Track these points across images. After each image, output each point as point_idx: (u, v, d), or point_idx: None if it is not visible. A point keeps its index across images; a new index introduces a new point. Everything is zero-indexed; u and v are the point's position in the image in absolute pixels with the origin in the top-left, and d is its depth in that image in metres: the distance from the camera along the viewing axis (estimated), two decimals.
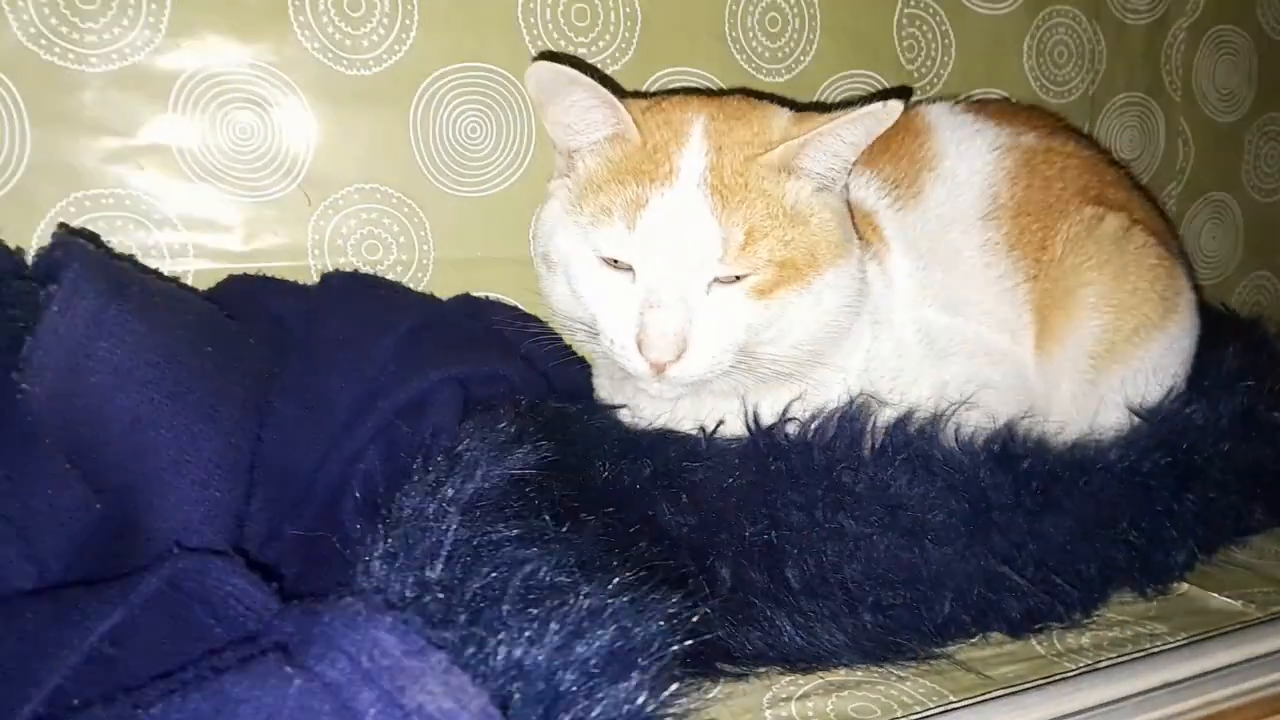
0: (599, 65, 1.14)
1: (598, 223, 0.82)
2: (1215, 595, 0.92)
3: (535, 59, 0.92)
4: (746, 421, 0.85)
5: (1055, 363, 1.00)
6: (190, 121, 1.01)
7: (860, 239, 0.96)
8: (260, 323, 0.91)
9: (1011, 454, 0.84)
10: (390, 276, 1.09)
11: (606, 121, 0.85)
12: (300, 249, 1.06)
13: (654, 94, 0.96)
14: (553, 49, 1.12)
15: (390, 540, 0.55)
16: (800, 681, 0.78)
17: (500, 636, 0.49)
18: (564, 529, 0.67)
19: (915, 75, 1.31)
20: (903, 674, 0.78)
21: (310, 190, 1.06)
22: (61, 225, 0.95)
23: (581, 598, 0.54)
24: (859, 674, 0.78)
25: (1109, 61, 1.43)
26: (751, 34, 1.22)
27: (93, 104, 0.98)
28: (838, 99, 1.27)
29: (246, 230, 1.04)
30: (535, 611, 0.52)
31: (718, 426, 0.88)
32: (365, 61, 1.06)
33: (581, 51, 1.14)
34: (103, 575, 0.69)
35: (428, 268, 1.11)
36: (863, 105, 0.83)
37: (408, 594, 0.52)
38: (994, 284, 1.00)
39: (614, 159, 0.85)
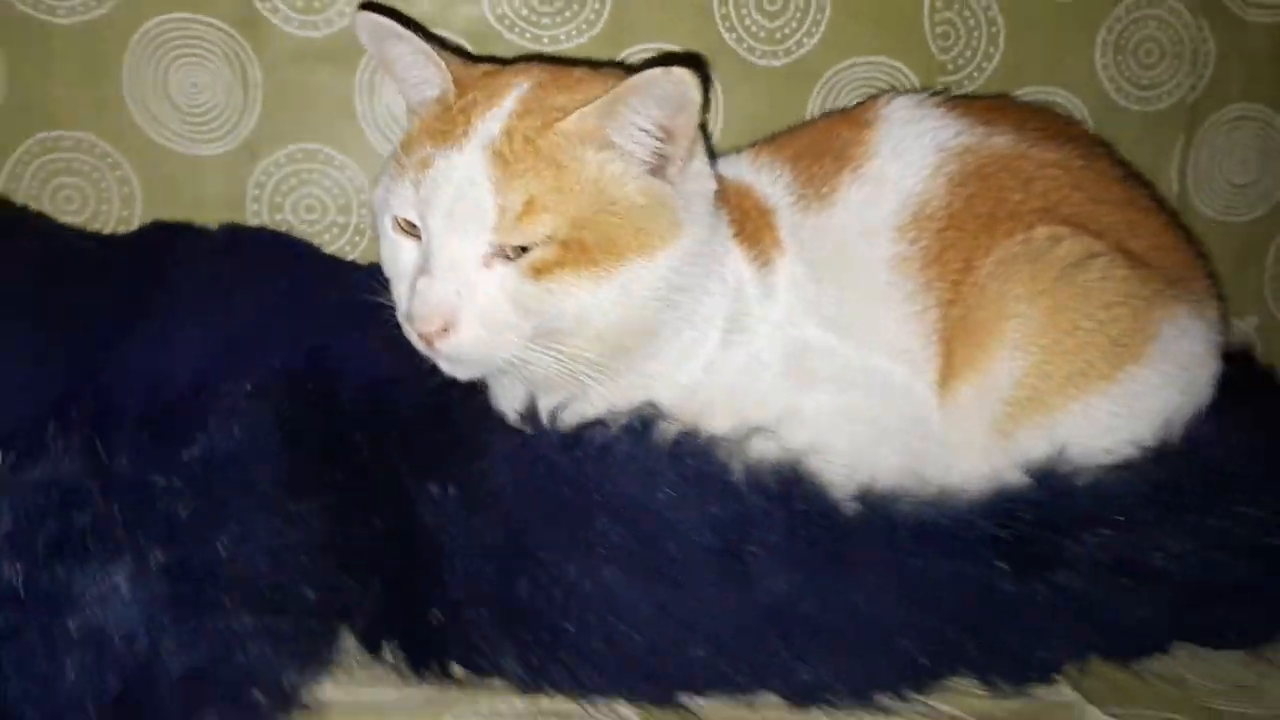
0: (563, 36, 1.10)
1: (394, 181, 0.80)
2: (1097, 710, 0.76)
3: (359, 7, 0.90)
4: (524, 418, 0.80)
5: (964, 406, 0.86)
6: None
7: (750, 238, 0.88)
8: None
9: (794, 494, 0.73)
10: None
11: (433, 80, 0.83)
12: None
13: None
14: (514, 17, 1.09)
15: None
16: (516, 701, 0.73)
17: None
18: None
19: (949, 67, 1.16)
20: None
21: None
22: None
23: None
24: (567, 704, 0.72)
25: (1218, 65, 1.20)
26: (744, 8, 1.12)
27: None
28: (845, 91, 1.15)
29: None
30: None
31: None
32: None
33: (545, 21, 1.10)
34: None
35: None
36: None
37: None
38: (898, 305, 0.87)
39: (427, 119, 0.82)
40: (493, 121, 0.78)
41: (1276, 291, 1.27)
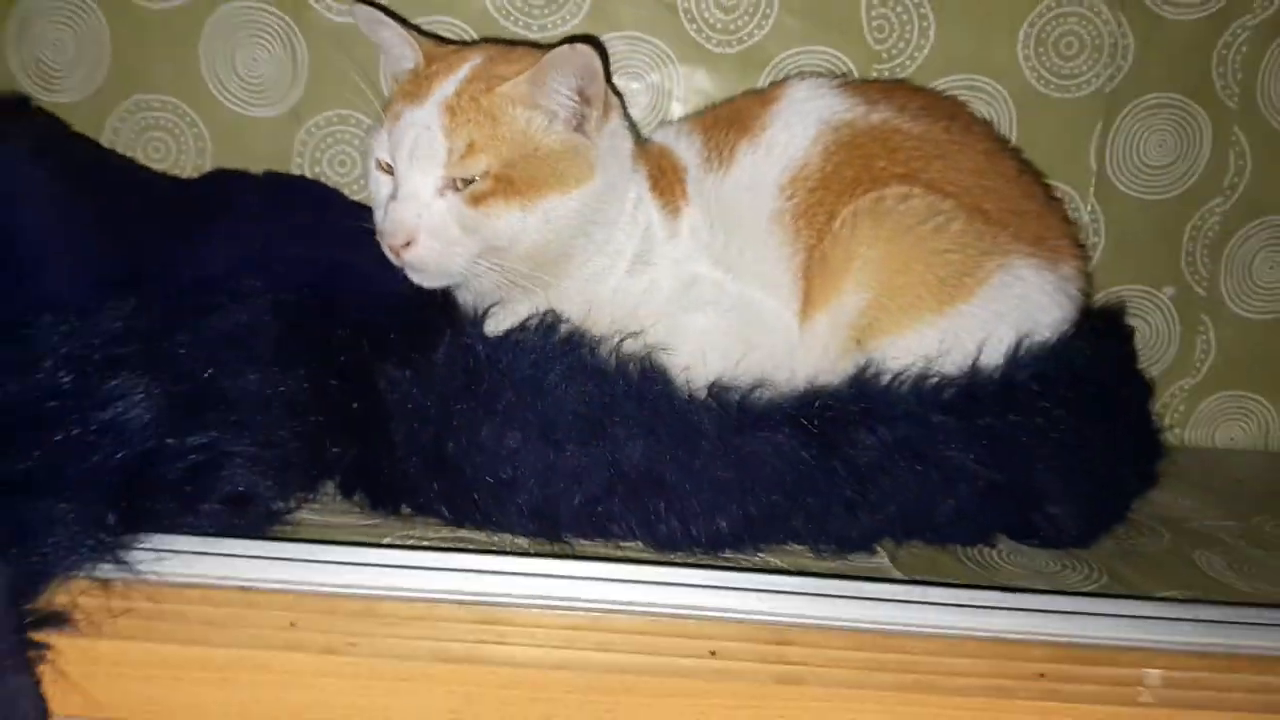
0: (549, 26, 1.32)
1: (377, 132, 1.05)
2: (895, 570, 0.94)
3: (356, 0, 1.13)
4: (465, 320, 1.03)
5: (819, 331, 1.06)
6: None
7: (663, 191, 1.10)
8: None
9: (647, 380, 0.94)
10: None
11: (409, 56, 1.07)
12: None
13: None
14: (509, 7, 1.32)
15: None
16: (441, 530, 0.95)
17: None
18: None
19: (884, 56, 1.34)
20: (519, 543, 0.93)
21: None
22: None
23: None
24: (478, 534, 0.94)
25: (1138, 56, 1.34)
26: (704, 2, 1.32)
27: None
28: (790, 76, 1.34)
29: None
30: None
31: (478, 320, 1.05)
32: None
33: (536, 11, 1.32)
34: None
35: None
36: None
37: None
38: (774, 249, 1.07)
39: (403, 84, 1.06)
40: (449, 85, 1.02)
41: (1191, 265, 1.40)
